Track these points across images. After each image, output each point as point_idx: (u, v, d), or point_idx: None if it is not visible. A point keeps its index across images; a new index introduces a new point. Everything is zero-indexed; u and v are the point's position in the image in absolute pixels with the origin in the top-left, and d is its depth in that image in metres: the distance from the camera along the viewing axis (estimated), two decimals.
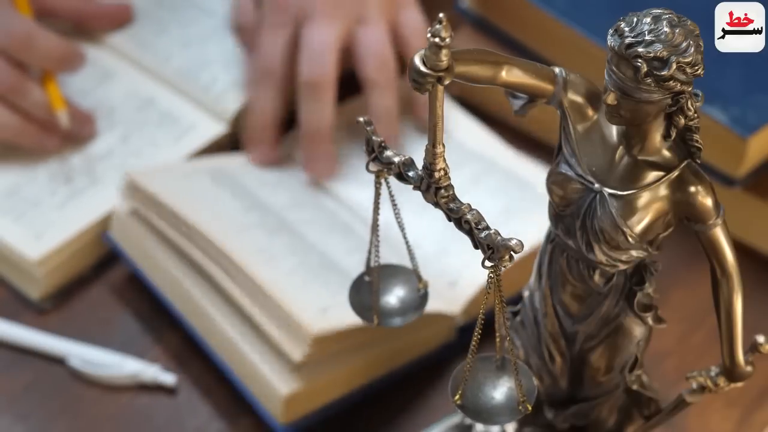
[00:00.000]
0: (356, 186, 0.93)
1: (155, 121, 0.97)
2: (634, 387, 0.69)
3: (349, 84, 0.95)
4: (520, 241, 0.55)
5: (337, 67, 0.91)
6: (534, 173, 0.93)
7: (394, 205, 0.64)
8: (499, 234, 0.56)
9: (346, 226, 0.90)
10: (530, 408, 0.61)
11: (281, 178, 0.93)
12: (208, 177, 0.90)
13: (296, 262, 0.84)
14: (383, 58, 0.92)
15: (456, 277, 0.86)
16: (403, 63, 0.94)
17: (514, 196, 0.91)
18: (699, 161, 0.60)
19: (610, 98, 0.58)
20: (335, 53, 0.91)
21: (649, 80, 0.56)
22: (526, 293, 0.69)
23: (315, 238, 0.87)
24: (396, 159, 0.60)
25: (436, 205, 0.59)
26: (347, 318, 0.78)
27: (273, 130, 0.93)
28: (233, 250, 0.83)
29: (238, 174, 0.92)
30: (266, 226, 0.86)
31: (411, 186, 0.60)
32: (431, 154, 0.57)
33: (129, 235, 0.89)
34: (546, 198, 0.89)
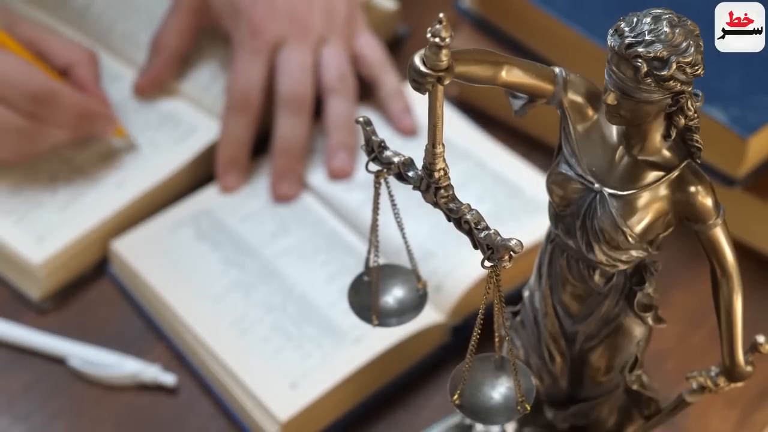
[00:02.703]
0: (345, 188, 0.93)
1: (156, 122, 0.97)
2: (634, 387, 0.69)
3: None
4: (519, 241, 0.55)
5: (313, 89, 0.94)
6: (524, 176, 0.94)
7: (394, 206, 0.64)
8: (499, 234, 0.56)
9: (331, 237, 0.90)
10: (529, 408, 0.61)
11: (267, 199, 0.93)
12: (191, 227, 0.91)
13: (272, 321, 0.85)
14: (343, 70, 0.95)
15: (440, 281, 0.86)
16: (363, 83, 0.98)
17: (502, 201, 0.91)
18: (699, 161, 0.60)
19: (610, 98, 0.58)
20: (312, 75, 0.94)
21: (649, 80, 0.56)
22: (526, 293, 0.69)
23: (295, 276, 0.88)
24: (395, 159, 0.60)
25: (436, 205, 0.59)
26: (318, 385, 0.81)
27: (245, 158, 0.95)
28: (206, 334, 0.85)
29: (221, 213, 0.92)
30: (245, 279, 0.88)
31: (411, 186, 0.60)
32: (431, 154, 0.57)
33: (127, 274, 0.91)
34: (535, 202, 0.90)
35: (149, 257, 0.89)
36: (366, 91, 0.98)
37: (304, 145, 0.94)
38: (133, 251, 0.90)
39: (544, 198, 0.64)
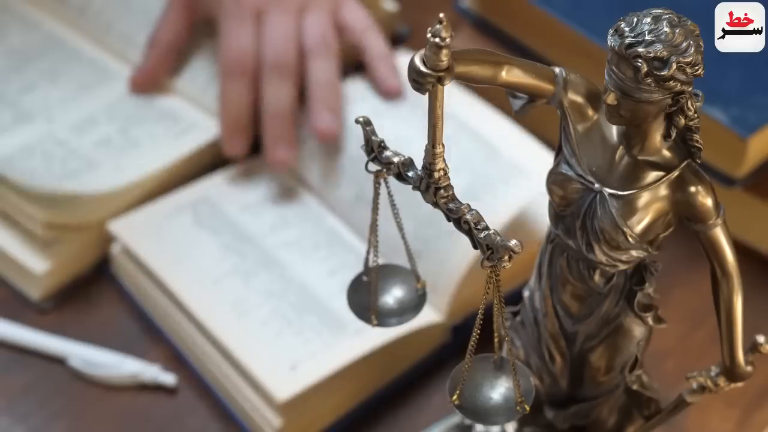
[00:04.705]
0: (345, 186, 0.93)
1: (154, 120, 0.97)
2: (634, 387, 0.69)
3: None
4: (519, 241, 0.55)
5: (297, 54, 0.94)
6: (504, 134, 0.93)
7: (393, 206, 0.64)
8: (499, 234, 0.56)
9: (331, 235, 0.90)
10: (528, 408, 0.61)
11: (267, 195, 0.93)
12: (190, 213, 0.91)
13: (272, 306, 0.85)
14: (324, 34, 0.95)
15: (434, 281, 0.86)
16: (348, 51, 0.97)
17: (480, 171, 0.90)
18: (699, 161, 0.60)
19: (610, 98, 0.58)
20: (295, 40, 0.94)
21: (649, 80, 0.56)
22: (526, 293, 0.69)
23: (296, 267, 0.88)
24: (395, 159, 0.60)
25: (435, 205, 0.59)
26: (318, 370, 0.81)
27: (248, 122, 0.94)
28: (204, 314, 0.84)
29: (221, 201, 0.92)
30: (244, 267, 0.87)
31: (410, 186, 0.60)
32: (431, 154, 0.57)
33: (124, 271, 0.90)
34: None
35: (147, 238, 0.89)
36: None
37: (294, 109, 0.93)
38: (132, 232, 0.89)
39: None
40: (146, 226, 0.90)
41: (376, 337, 0.83)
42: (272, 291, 0.86)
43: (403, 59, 0.97)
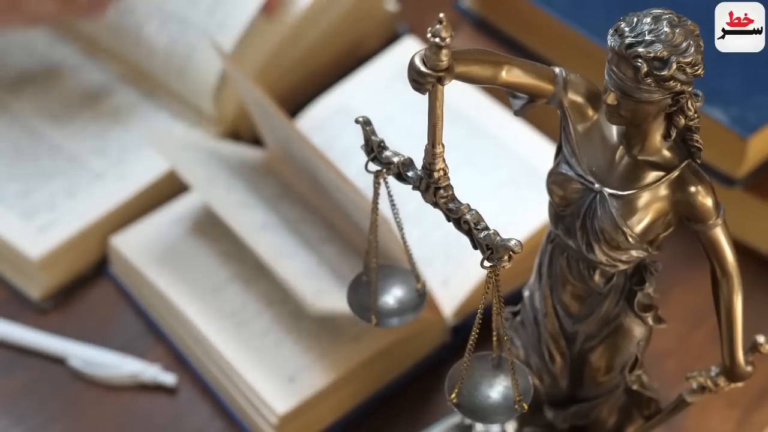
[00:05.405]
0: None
1: (153, 117, 0.97)
2: (634, 387, 0.69)
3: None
4: (519, 241, 0.55)
5: None
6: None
7: (393, 205, 0.64)
8: (498, 234, 0.56)
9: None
10: (526, 407, 0.61)
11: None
12: (191, 221, 0.91)
13: (271, 315, 0.85)
14: None
15: (448, 278, 0.86)
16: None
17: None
18: (699, 161, 0.60)
19: (610, 98, 0.58)
20: None
21: (649, 80, 0.56)
22: (526, 293, 0.69)
23: None
24: (395, 159, 0.60)
25: (435, 205, 0.59)
26: (317, 379, 0.81)
27: None
28: (205, 327, 0.84)
29: (220, 209, 0.91)
30: (245, 273, 0.87)
31: (410, 186, 0.60)
32: (431, 155, 0.57)
33: (126, 270, 0.90)
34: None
35: (148, 253, 0.89)
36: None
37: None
38: (132, 247, 0.90)
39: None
40: (146, 240, 0.90)
41: (374, 341, 0.83)
42: (272, 298, 0.86)
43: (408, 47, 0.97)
